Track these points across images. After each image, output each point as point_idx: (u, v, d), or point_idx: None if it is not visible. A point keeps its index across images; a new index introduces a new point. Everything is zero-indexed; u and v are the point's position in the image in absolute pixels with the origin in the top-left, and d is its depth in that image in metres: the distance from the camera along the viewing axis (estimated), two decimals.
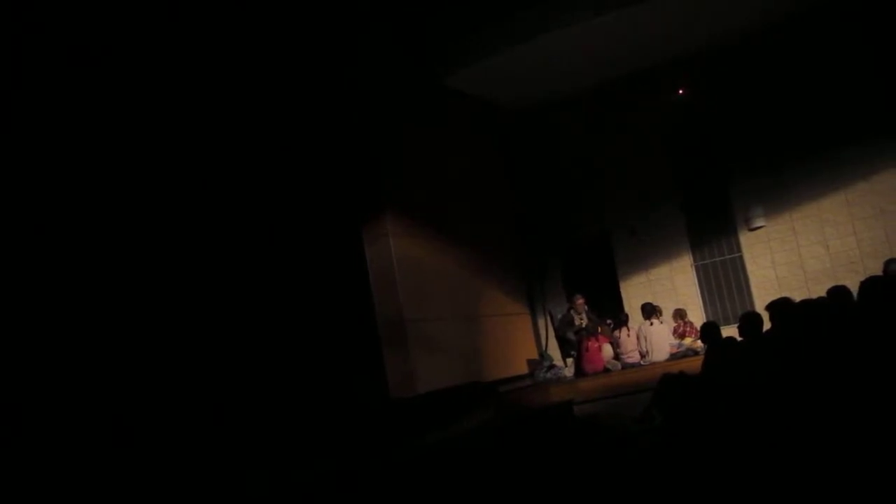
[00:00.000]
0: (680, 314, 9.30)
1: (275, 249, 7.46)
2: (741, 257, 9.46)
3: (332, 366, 7.49)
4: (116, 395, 5.59)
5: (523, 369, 9.58)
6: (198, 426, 5.92)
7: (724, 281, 9.58)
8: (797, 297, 5.45)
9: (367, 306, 8.06)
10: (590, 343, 8.99)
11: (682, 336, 9.08)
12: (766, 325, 5.26)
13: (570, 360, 9.36)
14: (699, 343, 8.19)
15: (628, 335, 9.03)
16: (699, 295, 9.72)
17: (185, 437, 5.70)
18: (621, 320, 9.25)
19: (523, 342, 9.94)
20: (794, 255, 9.08)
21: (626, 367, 8.82)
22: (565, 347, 9.46)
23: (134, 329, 5.96)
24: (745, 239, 9.40)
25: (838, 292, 5.01)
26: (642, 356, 8.89)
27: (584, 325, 9.23)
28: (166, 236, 6.43)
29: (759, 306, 7.53)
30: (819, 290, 6.89)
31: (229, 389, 6.46)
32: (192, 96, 6.74)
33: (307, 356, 7.36)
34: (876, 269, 7.40)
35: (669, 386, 4.95)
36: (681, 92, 9.44)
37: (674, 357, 8.64)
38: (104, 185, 6.02)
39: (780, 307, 4.97)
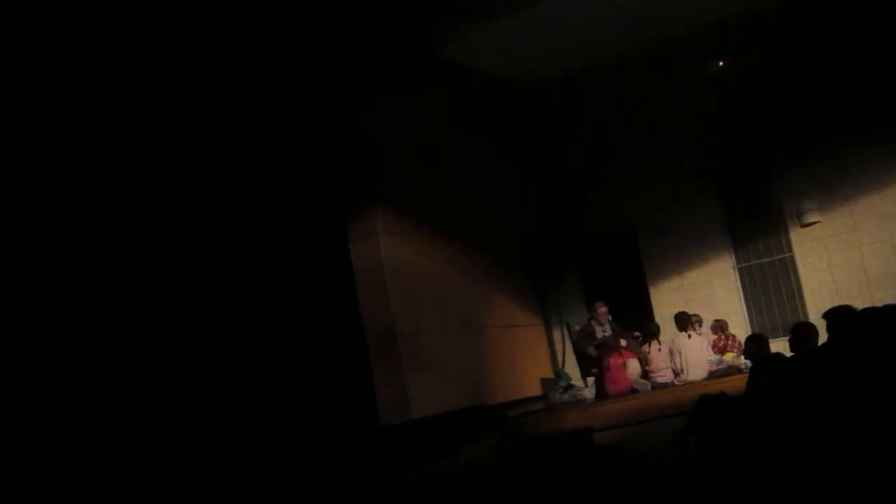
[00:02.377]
0: (720, 326, 9.32)
1: (245, 251, 7.45)
2: (791, 258, 9.48)
3: (312, 386, 7.52)
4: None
5: (535, 390, 9.63)
6: (161, 452, 6.09)
7: (772, 286, 9.59)
8: (858, 305, 5.41)
9: (354, 317, 8.13)
10: (614, 360, 8.98)
11: (722, 351, 9.07)
12: (823, 338, 5.29)
13: (590, 380, 9.39)
14: (742, 359, 8.20)
15: (659, 350, 9.03)
16: (742, 302, 9.74)
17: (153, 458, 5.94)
18: (651, 332, 9.25)
19: (535, 358, 9.99)
20: (853, 255, 9.09)
21: (656, 387, 8.82)
22: (585, 365, 9.48)
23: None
24: (797, 237, 9.42)
25: None
26: (676, 375, 8.89)
27: (606, 339, 9.22)
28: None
29: (814, 315, 7.57)
30: (883, 296, 7.00)
31: (196, 413, 6.55)
32: (148, 79, 6.88)
33: (283, 376, 7.38)
34: None
35: (707, 409, 4.90)
36: (720, 63, 9.48)
37: (713, 375, 8.64)
38: (71, 183, 6.28)
39: (839, 316, 4.99)
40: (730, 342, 9.13)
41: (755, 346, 6.33)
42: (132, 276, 6.52)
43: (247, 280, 7.42)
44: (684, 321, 9.05)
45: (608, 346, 9.11)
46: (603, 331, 9.34)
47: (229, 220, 7.36)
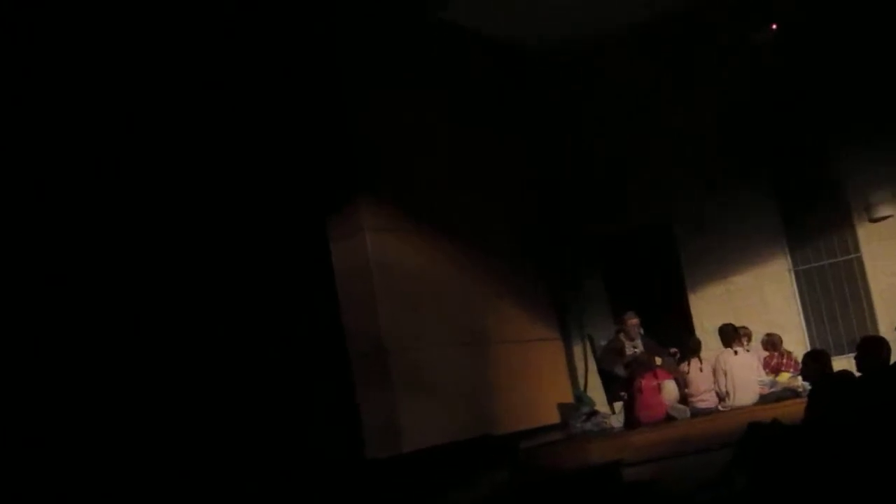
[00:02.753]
0: (773, 340, 9.19)
1: (212, 251, 7.45)
2: (858, 259, 9.34)
3: (286, 414, 7.45)
4: None
5: (553, 417, 9.57)
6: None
7: (836, 292, 9.48)
8: None
9: (335, 329, 8.08)
10: (646, 381, 8.90)
11: (775, 371, 8.95)
12: None
13: (618, 405, 9.31)
14: (800, 380, 8.08)
15: (700, 369, 8.92)
16: (800, 313, 9.64)
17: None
18: (691, 348, 9.12)
19: (552, 379, 9.91)
20: None
21: (696, 413, 8.77)
22: (612, 387, 9.38)
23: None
24: (864, 234, 9.27)
25: None
26: (720, 399, 8.82)
27: (638, 356, 9.11)
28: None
29: (885, 328, 7.75)
30: None
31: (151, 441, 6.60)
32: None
33: (252, 400, 7.31)
34: None
35: (758, 439, 5.27)
36: (772, 27, 9.31)
37: (764, 400, 8.55)
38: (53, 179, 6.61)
39: None
40: (784, 360, 9.02)
41: (815, 364, 6.22)
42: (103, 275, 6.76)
43: (212, 290, 7.43)
44: (730, 335, 8.90)
45: (640, 365, 9.05)
46: (633, 346, 9.26)
47: (203, 227, 7.47)
